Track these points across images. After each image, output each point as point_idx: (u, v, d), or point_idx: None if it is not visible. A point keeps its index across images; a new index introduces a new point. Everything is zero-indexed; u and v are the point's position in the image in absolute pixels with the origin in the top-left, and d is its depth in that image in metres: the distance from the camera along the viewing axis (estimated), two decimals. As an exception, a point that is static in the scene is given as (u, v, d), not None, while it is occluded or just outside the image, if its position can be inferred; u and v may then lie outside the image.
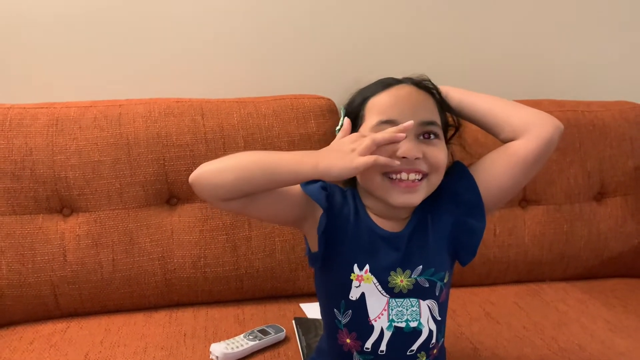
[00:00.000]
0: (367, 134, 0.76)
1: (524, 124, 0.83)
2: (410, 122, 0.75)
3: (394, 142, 0.74)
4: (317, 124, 1.28)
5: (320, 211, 0.81)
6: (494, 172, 0.83)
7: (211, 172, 0.76)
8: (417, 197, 0.78)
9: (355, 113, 0.84)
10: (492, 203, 0.84)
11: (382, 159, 0.72)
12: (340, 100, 0.89)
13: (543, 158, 0.83)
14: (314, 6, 1.43)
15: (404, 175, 0.77)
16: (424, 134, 0.79)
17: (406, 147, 0.76)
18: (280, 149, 1.25)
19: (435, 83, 0.89)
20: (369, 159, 0.71)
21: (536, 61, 1.57)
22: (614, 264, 1.42)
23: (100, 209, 1.18)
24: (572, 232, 1.39)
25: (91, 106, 1.22)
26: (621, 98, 1.53)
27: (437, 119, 0.81)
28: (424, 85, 0.84)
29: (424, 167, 0.78)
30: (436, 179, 0.80)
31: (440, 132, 0.81)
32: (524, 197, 1.39)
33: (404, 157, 0.76)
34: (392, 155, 0.75)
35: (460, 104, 0.88)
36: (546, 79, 1.58)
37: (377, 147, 0.72)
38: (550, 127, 0.83)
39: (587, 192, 1.41)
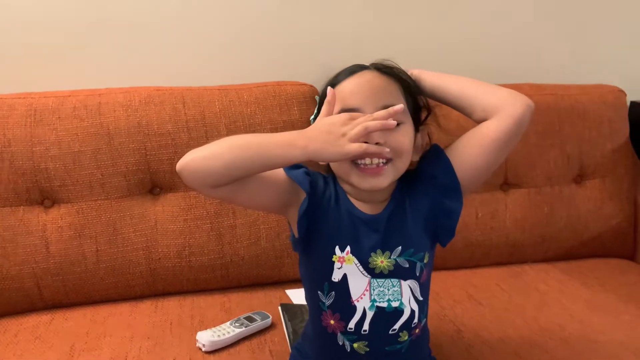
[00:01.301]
0: (358, 116, 0.76)
1: (494, 104, 0.84)
2: (400, 106, 0.76)
3: (384, 129, 0.74)
4: (300, 110, 1.28)
5: (303, 196, 0.83)
6: (468, 153, 0.84)
7: (200, 159, 0.76)
8: (383, 181, 0.80)
9: (323, 101, 0.84)
10: (468, 183, 0.85)
11: (372, 147, 0.74)
12: (323, 87, 0.90)
13: (515, 137, 0.84)
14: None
15: (367, 161, 0.78)
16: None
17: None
18: (262, 136, 1.25)
19: (413, 67, 0.90)
20: (360, 147, 0.73)
21: (516, 45, 1.59)
22: (593, 245, 1.45)
23: (83, 199, 1.17)
24: (552, 214, 1.41)
25: (70, 96, 1.21)
26: (600, 81, 1.55)
27: (400, 102, 0.80)
28: (387, 71, 0.84)
29: (387, 153, 0.78)
30: (402, 163, 0.81)
31: (404, 117, 0.81)
32: (505, 180, 1.41)
33: (365, 142, 0.76)
34: None
35: (433, 86, 0.89)
36: (526, 62, 1.60)
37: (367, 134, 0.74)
38: (521, 106, 0.83)
39: (566, 175, 1.44)
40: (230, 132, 1.23)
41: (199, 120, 1.22)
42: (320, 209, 0.84)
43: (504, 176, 1.40)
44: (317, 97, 0.89)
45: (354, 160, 0.79)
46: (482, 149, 0.83)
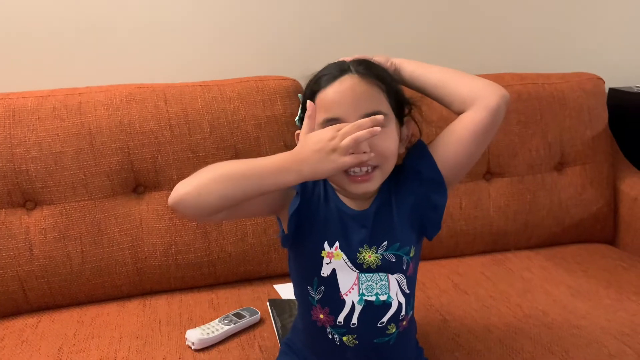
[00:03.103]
0: (343, 127, 0.75)
1: (471, 95, 0.85)
2: (380, 116, 0.76)
3: (372, 137, 0.75)
4: (283, 105, 1.28)
5: (293, 194, 0.83)
6: (449, 147, 0.85)
7: (192, 195, 0.75)
8: (372, 185, 0.82)
9: (306, 103, 0.84)
10: (452, 175, 0.86)
11: (364, 157, 0.75)
12: (305, 81, 0.90)
13: (492, 127, 0.85)
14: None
15: (356, 169, 0.80)
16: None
17: None
18: (247, 132, 1.24)
19: (393, 57, 0.91)
20: (354, 159, 0.74)
21: (497, 35, 1.60)
22: (575, 231, 1.48)
23: (66, 200, 1.16)
24: (535, 201, 1.43)
25: (49, 95, 1.19)
26: (579, 69, 1.57)
27: (382, 107, 0.81)
28: (368, 73, 0.83)
29: (373, 160, 0.79)
30: (389, 166, 0.83)
31: (387, 120, 0.81)
32: (488, 169, 1.42)
33: (351, 153, 0.76)
34: None
35: (413, 76, 0.90)
36: (507, 52, 1.61)
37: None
38: (496, 97, 0.84)
39: (548, 163, 1.46)
40: (213, 128, 1.22)
41: (182, 118, 1.21)
42: (310, 207, 0.85)
43: (487, 166, 1.42)
44: (300, 96, 0.88)
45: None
46: (462, 141, 0.84)
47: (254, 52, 1.44)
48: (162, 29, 1.38)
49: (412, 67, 0.90)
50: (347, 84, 0.81)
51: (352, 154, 0.75)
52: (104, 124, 1.18)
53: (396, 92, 0.85)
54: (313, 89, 0.84)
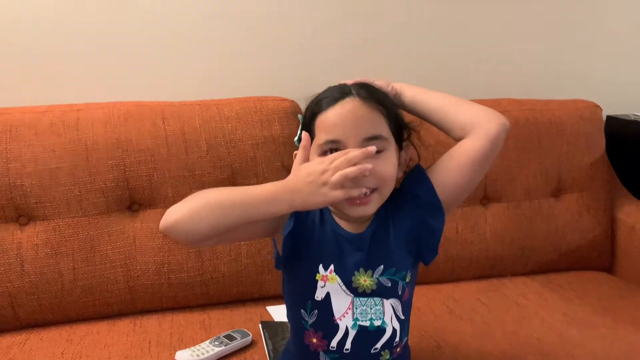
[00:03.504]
0: (337, 158, 0.75)
1: (471, 122, 0.85)
2: (373, 148, 0.76)
3: (361, 174, 0.74)
4: (281, 126, 1.28)
5: (288, 216, 0.83)
6: (449, 172, 0.85)
7: (183, 221, 0.74)
8: (370, 208, 0.81)
9: (307, 127, 0.84)
10: (450, 201, 0.86)
11: (355, 193, 0.75)
12: (305, 102, 0.90)
13: (492, 155, 0.85)
14: (276, 7, 1.43)
15: (355, 193, 0.78)
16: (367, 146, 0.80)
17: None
18: (244, 151, 1.24)
19: (394, 81, 0.91)
20: (343, 194, 0.74)
21: (496, 61, 1.61)
22: (571, 258, 1.47)
23: (60, 216, 1.15)
24: (531, 227, 1.43)
25: (47, 111, 1.19)
26: (577, 96, 1.58)
27: (383, 131, 0.81)
28: (369, 97, 0.83)
29: (372, 182, 0.79)
30: (387, 189, 0.82)
31: (387, 144, 0.81)
32: (485, 194, 1.42)
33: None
34: None
35: (413, 101, 0.91)
36: (505, 78, 1.62)
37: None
38: (496, 125, 0.85)
39: (545, 189, 1.46)
40: (210, 147, 1.22)
41: (179, 136, 1.21)
42: (305, 228, 0.84)
43: (484, 190, 1.41)
44: (300, 117, 0.88)
45: None
46: (461, 167, 0.85)
47: (254, 72, 1.45)
48: (164, 48, 1.39)
49: (413, 92, 0.91)
50: (348, 106, 0.81)
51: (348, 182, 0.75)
52: (101, 141, 1.17)
53: (396, 117, 0.85)
54: (314, 110, 0.84)
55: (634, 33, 1.70)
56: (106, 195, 1.18)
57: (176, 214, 0.75)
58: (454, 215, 1.38)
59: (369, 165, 0.74)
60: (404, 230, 0.85)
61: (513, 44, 1.61)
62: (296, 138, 0.89)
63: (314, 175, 0.74)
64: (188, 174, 1.21)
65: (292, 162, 0.86)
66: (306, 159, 0.79)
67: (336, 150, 0.79)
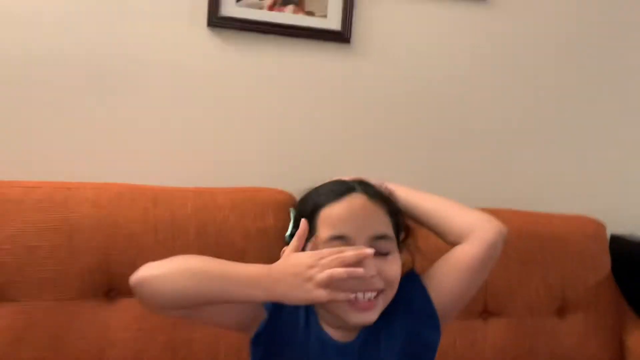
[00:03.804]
0: (326, 253, 0.71)
1: (466, 228, 0.83)
2: (370, 251, 0.71)
3: (352, 277, 0.69)
4: (275, 218, 1.24)
5: (264, 316, 0.76)
6: (444, 279, 0.81)
7: (155, 280, 0.71)
8: (373, 315, 0.75)
9: (307, 219, 0.79)
10: (446, 310, 0.82)
11: (340, 297, 0.69)
12: (301, 202, 0.87)
13: (489, 262, 0.83)
14: (279, 102, 1.45)
15: (360, 295, 0.74)
16: (377, 248, 0.76)
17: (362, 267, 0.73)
18: (233, 242, 1.19)
19: (388, 182, 0.89)
20: (328, 296, 0.68)
21: (498, 170, 1.60)
22: (579, 386, 1.35)
23: (30, 299, 1.08)
24: (534, 348, 1.33)
25: (37, 187, 1.16)
26: (580, 212, 1.55)
27: (389, 230, 0.78)
28: (375, 194, 0.81)
29: (379, 284, 0.75)
30: (391, 293, 0.78)
31: (393, 245, 0.78)
32: (485, 308, 1.34)
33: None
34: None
35: (406, 203, 0.88)
36: (507, 188, 1.60)
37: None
38: (493, 232, 0.83)
39: (548, 306, 1.38)
40: (199, 236, 1.18)
41: (168, 222, 1.17)
42: (284, 333, 0.77)
43: (484, 303, 1.34)
44: (291, 212, 0.85)
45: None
46: (457, 274, 0.81)
47: (252, 163, 1.44)
48: (161, 133, 1.39)
49: (406, 194, 0.89)
50: (356, 202, 0.78)
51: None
52: (87, 222, 1.13)
53: (397, 217, 0.82)
54: (316, 203, 0.79)
55: (638, 150, 1.69)
56: (84, 279, 1.11)
57: (151, 270, 0.71)
58: (452, 327, 1.29)
59: (360, 270, 0.68)
60: (396, 340, 0.79)
61: (516, 154, 1.61)
62: (287, 233, 0.84)
63: (300, 268, 0.69)
64: (172, 263, 1.15)
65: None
66: (298, 249, 0.74)
67: (341, 245, 0.74)
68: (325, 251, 0.71)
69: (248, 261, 1.17)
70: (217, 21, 1.37)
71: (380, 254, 0.75)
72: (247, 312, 0.77)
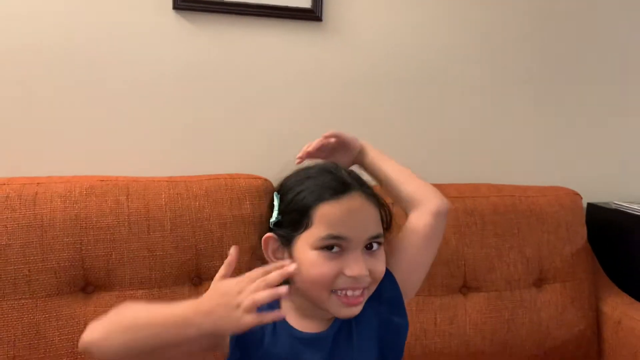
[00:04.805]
0: (254, 276, 0.68)
1: (414, 197, 0.90)
2: (292, 267, 0.69)
3: (273, 299, 0.66)
4: (252, 205, 1.23)
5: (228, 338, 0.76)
6: (404, 252, 0.87)
7: (99, 341, 0.68)
8: (359, 309, 0.78)
9: (301, 211, 0.78)
10: (410, 282, 0.87)
11: (268, 317, 0.66)
12: (277, 180, 0.87)
13: (439, 231, 0.90)
14: (251, 85, 1.42)
15: (349, 292, 0.76)
16: (368, 245, 0.78)
17: (357, 268, 0.75)
18: (210, 231, 1.18)
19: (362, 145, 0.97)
20: (255, 319, 0.65)
21: (473, 145, 1.60)
22: (557, 354, 1.38)
23: (4, 298, 1.06)
24: (513, 320, 1.35)
25: (5, 184, 1.13)
26: (556, 183, 1.56)
27: (381, 228, 0.81)
28: (371, 193, 0.81)
29: (367, 281, 0.77)
30: (374, 287, 0.80)
31: (382, 239, 0.80)
32: (465, 283, 1.35)
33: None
34: (339, 273, 0.75)
35: (371, 163, 0.95)
36: (484, 163, 1.60)
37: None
38: (439, 202, 0.90)
39: (526, 278, 1.39)
40: (174, 226, 1.16)
41: (142, 214, 1.15)
42: (253, 335, 0.76)
43: (463, 279, 1.35)
44: (275, 197, 0.83)
45: (334, 289, 0.76)
46: (417, 242, 0.87)
47: (226, 150, 1.42)
48: (134, 123, 1.36)
49: (373, 155, 0.96)
50: (356, 204, 0.78)
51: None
52: (58, 217, 1.11)
53: (383, 209, 0.83)
54: (313, 197, 0.77)
55: (613, 122, 1.70)
56: (58, 275, 1.10)
57: (92, 333, 0.68)
58: (432, 304, 1.31)
59: (284, 290, 0.66)
60: (369, 329, 0.79)
61: (491, 129, 1.61)
62: (273, 219, 0.81)
63: (228, 297, 0.66)
64: (148, 255, 1.13)
65: (261, 245, 0.80)
66: (226, 276, 0.70)
67: (337, 245, 0.75)
68: (250, 274, 0.68)
69: (225, 249, 1.19)
70: (183, 4, 1.33)
71: (369, 249, 0.78)
72: (202, 345, 0.71)
